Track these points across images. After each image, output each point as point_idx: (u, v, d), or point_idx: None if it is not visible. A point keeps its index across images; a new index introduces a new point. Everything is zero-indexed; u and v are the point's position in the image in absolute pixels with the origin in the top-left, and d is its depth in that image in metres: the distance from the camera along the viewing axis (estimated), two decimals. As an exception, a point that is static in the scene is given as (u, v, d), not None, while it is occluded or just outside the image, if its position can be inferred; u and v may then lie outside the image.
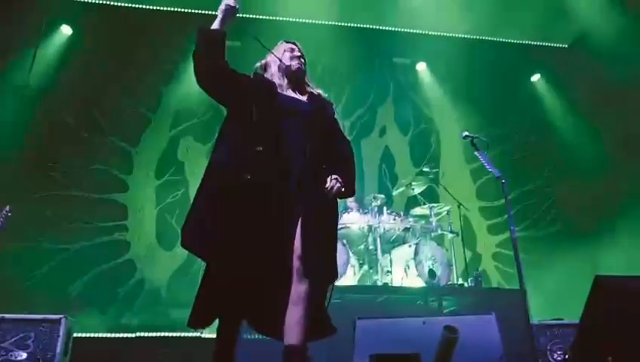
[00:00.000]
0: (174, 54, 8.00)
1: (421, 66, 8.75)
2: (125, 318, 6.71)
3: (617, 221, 7.05)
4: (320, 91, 2.89)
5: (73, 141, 7.34)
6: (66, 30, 7.64)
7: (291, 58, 2.81)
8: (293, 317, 2.27)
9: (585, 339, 2.05)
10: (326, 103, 2.87)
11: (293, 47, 2.87)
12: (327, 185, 2.52)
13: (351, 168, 2.79)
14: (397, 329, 2.30)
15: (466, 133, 3.78)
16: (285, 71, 2.77)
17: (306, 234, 2.36)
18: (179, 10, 8.04)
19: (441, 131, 8.84)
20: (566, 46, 8.58)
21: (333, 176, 2.54)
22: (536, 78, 8.80)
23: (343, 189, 2.58)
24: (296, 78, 2.80)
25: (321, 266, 2.39)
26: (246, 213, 2.31)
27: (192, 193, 7.52)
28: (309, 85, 2.87)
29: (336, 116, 2.92)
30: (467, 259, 8.01)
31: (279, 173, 2.43)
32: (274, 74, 2.77)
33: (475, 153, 3.70)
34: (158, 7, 7.96)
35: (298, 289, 2.31)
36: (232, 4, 2.57)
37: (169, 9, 8.01)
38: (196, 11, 8.08)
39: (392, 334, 2.44)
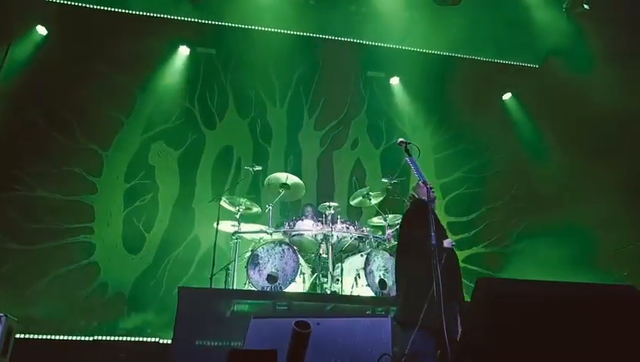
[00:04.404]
0: (150, 59, 8.07)
1: (394, 81, 8.83)
2: (84, 321, 6.65)
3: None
4: None
5: (42, 141, 7.35)
6: (41, 30, 7.64)
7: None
8: None
9: (466, 340, 2.09)
10: None
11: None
12: None
13: None
14: (287, 329, 2.35)
15: (401, 139, 3.91)
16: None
17: None
18: (156, 15, 8.07)
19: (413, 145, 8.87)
20: (537, 66, 8.70)
21: None
22: (507, 96, 8.90)
23: None
24: None
25: None
26: None
27: (161, 198, 7.68)
28: None
29: None
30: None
31: None
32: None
33: (406, 159, 3.80)
34: (136, 12, 8.01)
35: None
36: None
37: (146, 14, 8.04)
38: (173, 17, 8.10)
39: (280, 333, 2.49)
